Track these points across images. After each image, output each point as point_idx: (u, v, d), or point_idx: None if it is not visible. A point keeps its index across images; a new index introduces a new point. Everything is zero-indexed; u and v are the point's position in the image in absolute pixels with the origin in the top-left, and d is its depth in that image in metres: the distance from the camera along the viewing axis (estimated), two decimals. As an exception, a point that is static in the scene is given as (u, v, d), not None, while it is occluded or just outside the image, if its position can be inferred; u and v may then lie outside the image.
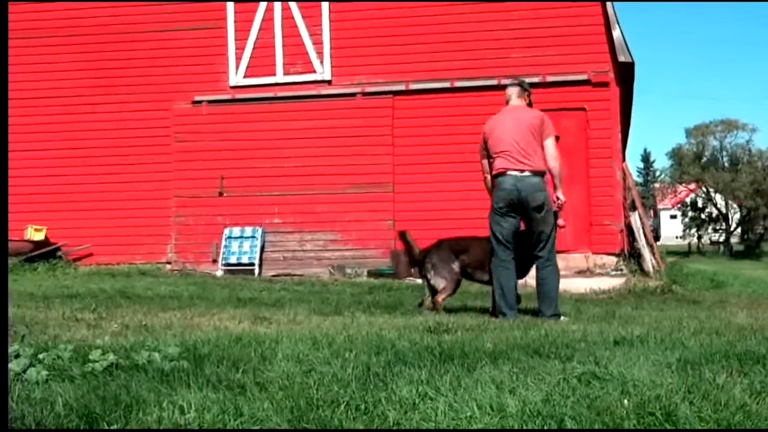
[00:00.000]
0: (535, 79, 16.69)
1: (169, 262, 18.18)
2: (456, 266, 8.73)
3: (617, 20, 17.26)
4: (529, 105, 8.49)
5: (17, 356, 4.28)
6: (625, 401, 3.44)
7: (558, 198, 8.18)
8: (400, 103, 17.96)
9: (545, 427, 3.18)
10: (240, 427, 3.18)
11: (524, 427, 3.18)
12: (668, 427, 3.19)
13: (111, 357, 4.31)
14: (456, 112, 17.53)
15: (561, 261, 8.49)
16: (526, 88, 8.52)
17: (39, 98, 18.50)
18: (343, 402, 3.46)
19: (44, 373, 4.01)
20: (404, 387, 3.70)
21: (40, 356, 4.32)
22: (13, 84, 17.01)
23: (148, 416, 3.30)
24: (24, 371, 4.02)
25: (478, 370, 4.13)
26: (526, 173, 8.00)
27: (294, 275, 17.17)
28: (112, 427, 3.20)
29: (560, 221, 8.27)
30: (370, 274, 16.93)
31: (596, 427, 3.19)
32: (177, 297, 10.57)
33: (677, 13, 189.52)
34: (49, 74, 18.79)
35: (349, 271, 17.30)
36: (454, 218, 16.85)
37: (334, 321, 7.29)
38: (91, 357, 4.30)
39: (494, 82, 17.28)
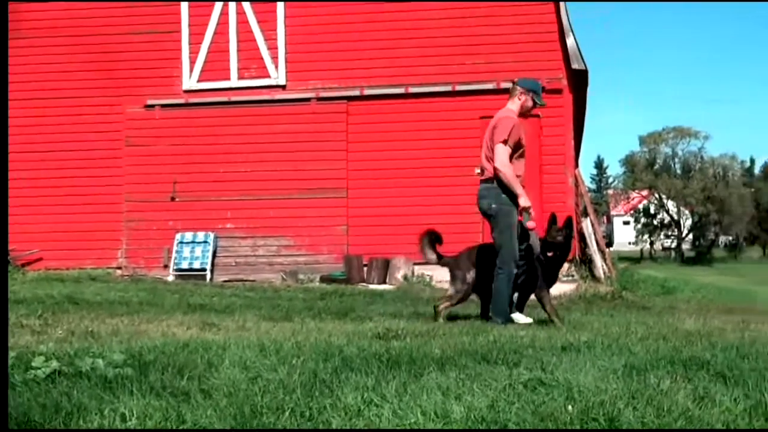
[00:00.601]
0: (490, 86, 16.90)
1: (119, 267, 18.01)
2: (470, 276, 8.24)
3: (571, 28, 17.43)
4: (534, 105, 8.28)
5: (-43, 363, 4.21)
6: (570, 407, 3.46)
7: (519, 204, 7.94)
8: (354, 108, 17.95)
9: (489, 433, 3.19)
10: (182, 435, 3.15)
11: (468, 434, 3.18)
12: (610, 433, 3.22)
13: (54, 364, 4.24)
14: (410, 118, 17.62)
15: (511, 266, 8.39)
16: (519, 88, 8.22)
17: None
18: (288, 409, 3.44)
19: (-16, 380, 3.93)
20: (350, 394, 3.69)
21: (-19, 363, 4.25)
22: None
23: (89, 424, 3.26)
24: (-37, 378, 3.94)
25: (425, 377, 4.13)
26: (483, 181, 8.03)
27: (246, 281, 17.08)
28: (51, 435, 3.15)
29: (530, 223, 8.10)
30: (322, 279, 16.92)
31: (539, 432, 3.20)
32: (126, 303, 10.47)
33: (633, 20, 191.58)
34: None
35: (301, 276, 17.26)
36: (408, 224, 16.92)
37: (284, 327, 7.26)
38: (33, 364, 4.23)
39: (449, 88, 17.42)
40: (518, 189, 7.95)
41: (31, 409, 3.41)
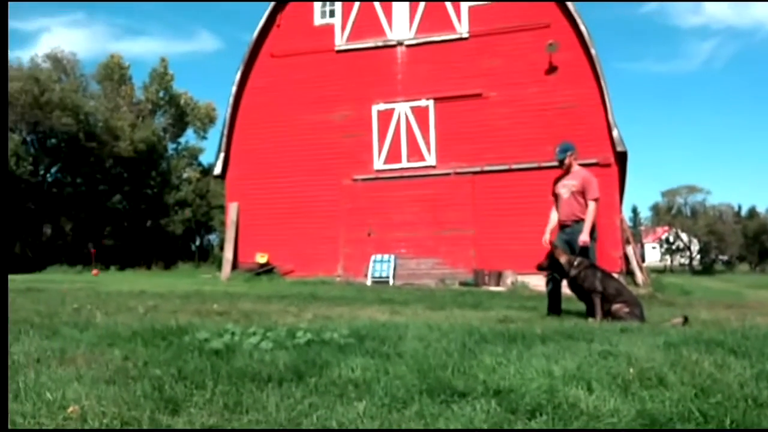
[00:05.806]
0: (563, 163, 16.36)
1: (338, 276, 18.40)
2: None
3: (615, 123, 16.86)
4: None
5: (254, 333, 4.34)
6: (631, 370, 3.29)
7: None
8: (478, 179, 17.83)
9: (578, 387, 3.06)
10: (388, 384, 3.14)
11: (566, 387, 3.06)
12: (661, 389, 3.04)
13: (309, 335, 4.28)
14: (512, 185, 17.38)
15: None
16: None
17: (269, 173, 19.15)
18: (450, 366, 3.42)
19: (270, 344, 4.01)
20: (487, 357, 3.62)
21: (268, 334, 4.36)
22: (264, 164, 17.89)
23: (333, 372, 3.32)
24: (259, 343, 4.07)
25: (533, 348, 4.01)
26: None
27: (414, 284, 17.11)
28: (311, 379, 3.23)
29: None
30: (460, 284, 16.75)
31: (612, 387, 3.06)
32: (344, 298, 10.60)
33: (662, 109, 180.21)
34: (278, 158, 19.41)
35: (447, 282, 17.16)
36: (512, 248, 16.65)
37: (440, 314, 7.22)
38: (297, 335, 4.30)
39: (536, 164, 17.02)
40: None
41: (298, 363, 3.48)
